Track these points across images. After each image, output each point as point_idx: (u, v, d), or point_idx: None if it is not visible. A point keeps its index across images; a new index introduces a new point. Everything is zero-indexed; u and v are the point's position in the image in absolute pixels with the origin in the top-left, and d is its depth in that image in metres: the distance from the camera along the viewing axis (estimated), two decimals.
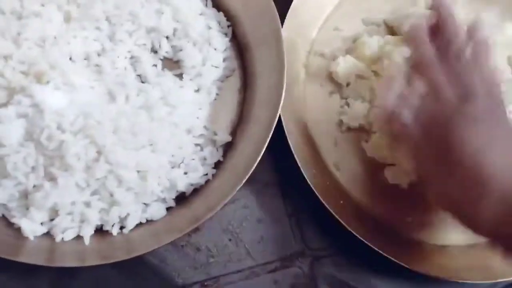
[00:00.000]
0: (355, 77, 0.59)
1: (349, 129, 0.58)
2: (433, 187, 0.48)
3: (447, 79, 0.47)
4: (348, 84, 0.60)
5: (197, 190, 0.53)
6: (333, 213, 0.51)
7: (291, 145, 0.53)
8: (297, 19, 0.59)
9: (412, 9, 0.63)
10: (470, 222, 0.46)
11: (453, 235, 0.56)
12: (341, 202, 0.55)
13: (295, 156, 0.52)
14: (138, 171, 0.50)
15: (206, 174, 0.53)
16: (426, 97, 0.47)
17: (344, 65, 0.59)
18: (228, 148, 0.55)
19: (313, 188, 0.51)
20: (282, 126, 0.53)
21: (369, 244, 0.50)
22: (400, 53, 0.56)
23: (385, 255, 0.50)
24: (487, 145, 0.44)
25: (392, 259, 0.50)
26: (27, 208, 0.48)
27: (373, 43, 0.59)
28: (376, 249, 0.50)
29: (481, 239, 0.55)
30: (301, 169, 0.52)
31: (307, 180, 0.52)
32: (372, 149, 0.57)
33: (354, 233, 0.51)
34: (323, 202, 0.51)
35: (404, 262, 0.51)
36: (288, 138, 0.53)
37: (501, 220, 0.43)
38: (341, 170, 0.57)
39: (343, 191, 0.56)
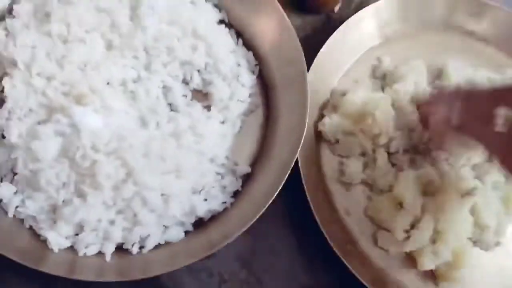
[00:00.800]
0: (343, 134, 0.61)
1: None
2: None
3: None
4: (337, 141, 0.61)
5: (214, 217, 0.55)
6: (340, 256, 0.53)
7: (305, 186, 0.55)
8: (321, 67, 0.62)
9: None
10: None
11: None
12: (349, 246, 0.57)
13: (308, 198, 0.55)
14: (162, 195, 0.52)
15: (225, 202, 0.56)
16: None
17: (330, 123, 0.61)
18: (247, 179, 0.58)
19: (324, 233, 0.53)
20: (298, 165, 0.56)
21: None
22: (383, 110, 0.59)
23: None
24: None
25: None
26: (55, 222, 0.50)
27: (356, 100, 0.61)
28: None
29: None
30: (313, 212, 0.54)
31: (319, 224, 0.54)
32: (371, 210, 0.59)
33: (361, 280, 0.53)
34: (332, 245, 0.53)
35: None
36: (302, 178, 0.55)
37: None
38: (351, 216, 0.59)
39: (351, 237, 0.58)
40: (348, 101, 0.62)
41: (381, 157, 0.60)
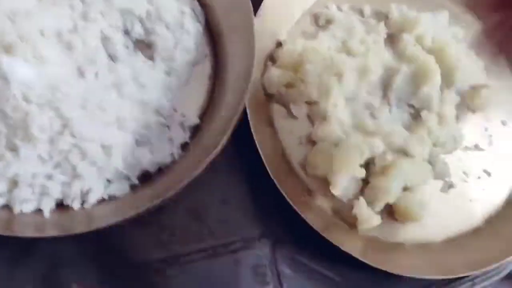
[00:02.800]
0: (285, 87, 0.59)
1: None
2: None
3: None
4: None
5: (162, 170, 0.53)
6: (296, 209, 0.51)
7: (256, 140, 0.53)
8: (269, 17, 0.60)
9: None
10: None
11: (408, 233, 0.57)
12: (303, 198, 0.56)
13: (260, 152, 0.53)
14: (102, 146, 0.50)
15: (172, 154, 0.54)
16: None
17: (270, 77, 0.59)
18: (195, 131, 0.56)
19: (278, 186, 0.52)
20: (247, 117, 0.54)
21: (328, 239, 0.51)
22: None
23: (343, 249, 0.51)
24: None
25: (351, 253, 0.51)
26: None
27: (293, 51, 0.60)
28: (335, 243, 0.51)
29: (436, 238, 0.56)
30: (266, 167, 0.52)
31: (272, 178, 0.52)
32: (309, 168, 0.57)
33: (314, 228, 0.51)
34: (287, 199, 0.52)
35: (360, 256, 0.51)
36: (253, 133, 0.53)
37: None
38: (303, 170, 0.57)
39: (306, 189, 0.57)
40: (286, 52, 0.60)
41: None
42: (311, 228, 0.51)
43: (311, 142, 0.59)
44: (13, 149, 0.47)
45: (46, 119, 0.47)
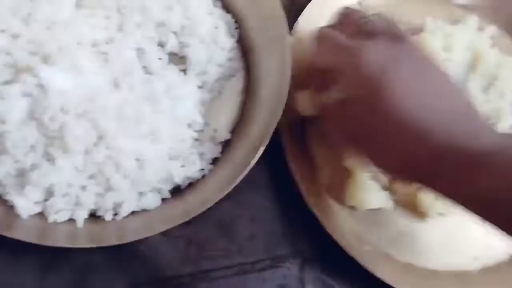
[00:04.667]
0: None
1: None
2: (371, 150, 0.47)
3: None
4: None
5: (192, 184, 0.53)
6: (327, 229, 0.51)
7: (288, 159, 0.53)
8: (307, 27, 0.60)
9: None
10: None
11: (441, 260, 0.56)
12: (337, 222, 0.55)
13: (293, 172, 0.53)
14: (136, 160, 0.50)
15: (203, 169, 0.54)
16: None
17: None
18: (226, 146, 0.56)
19: (309, 204, 0.52)
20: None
21: (360, 262, 0.51)
22: None
23: (377, 275, 0.51)
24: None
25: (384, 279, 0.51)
26: (23, 187, 0.48)
27: None
28: (367, 268, 0.51)
29: (472, 267, 0.56)
30: (299, 187, 0.52)
31: (304, 197, 0.52)
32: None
33: (346, 251, 0.51)
34: (320, 219, 0.51)
35: (392, 282, 0.51)
36: (285, 149, 0.53)
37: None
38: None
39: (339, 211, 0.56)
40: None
41: None
42: (341, 250, 0.50)
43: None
44: (50, 158, 0.48)
45: (82, 130, 0.48)
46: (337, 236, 0.52)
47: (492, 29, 0.66)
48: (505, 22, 0.68)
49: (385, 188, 0.57)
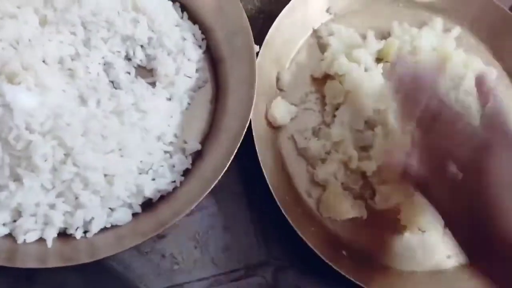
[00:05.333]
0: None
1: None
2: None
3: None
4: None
5: (164, 197, 0.53)
6: (303, 237, 0.51)
7: (263, 168, 0.53)
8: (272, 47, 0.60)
9: None
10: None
11: (417, 261, 0.57)
12: (312, 229, 0.55)
13: (267, 180, 0.53)
14: (105, 175, 0.50)
15: (174, 181, 0.54)
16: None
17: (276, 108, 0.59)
18: (197, 156, 0.56)
19: (284, 212, 0.52)
20: (252, 139, 0.54)
21: (336, 268, 0.51)
22: None
23: (353, 280, 0.51)
24: None
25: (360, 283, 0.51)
26: None
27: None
28: (344, 274, 0.51)
29: (447, 265, 0.57)
30: (274, 195, 0.52)
31: (280, 207, 0.52)
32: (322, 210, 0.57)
33: (323, 257, 0.51)
34: (294, 227, 0.51)
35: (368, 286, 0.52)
36: (258, 158, 0.53)
37: None
38: (313, 197, 0.57)
39: (314, 218, 0.57)
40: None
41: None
42: (315, 255, 0.51)
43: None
44: (17, 178, 0.47)
45: (49, 148, 0.47)
46: (312, 243, 0.52)
47: (457, 30, 0.68)
48: (469, 23, 0.69)
49: (358, 197, 0.58)
